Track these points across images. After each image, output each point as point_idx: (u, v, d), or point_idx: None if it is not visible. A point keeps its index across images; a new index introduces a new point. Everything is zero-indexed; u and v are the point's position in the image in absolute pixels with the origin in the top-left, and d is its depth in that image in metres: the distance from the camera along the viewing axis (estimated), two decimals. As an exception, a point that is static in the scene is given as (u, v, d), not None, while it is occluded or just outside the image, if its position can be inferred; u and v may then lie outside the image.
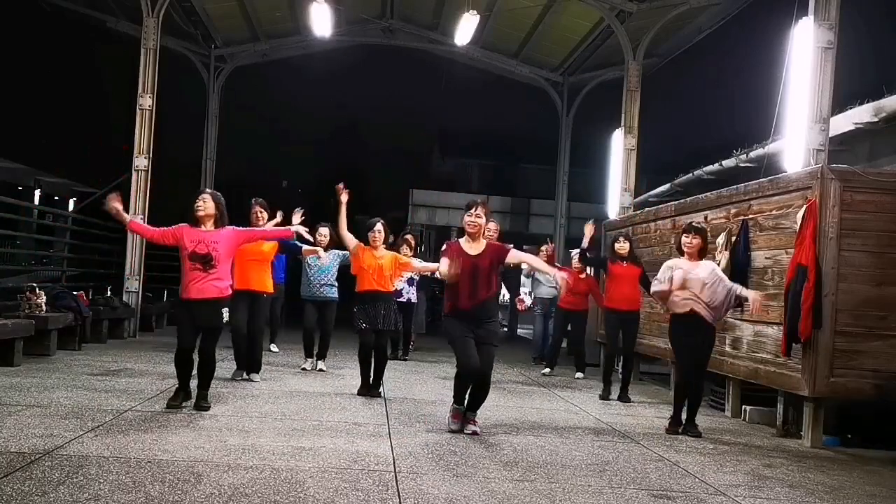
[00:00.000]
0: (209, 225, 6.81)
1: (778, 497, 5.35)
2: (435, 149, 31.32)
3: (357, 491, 4.63)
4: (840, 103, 9.64)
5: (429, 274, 10.10)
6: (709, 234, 8.03)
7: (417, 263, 9.34)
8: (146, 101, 13.24)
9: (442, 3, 18.02)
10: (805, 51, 8.25)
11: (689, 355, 7.42)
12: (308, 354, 10.20)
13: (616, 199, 14.86)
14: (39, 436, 5.42)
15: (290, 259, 11.03)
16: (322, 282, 9.91)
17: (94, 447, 5.22)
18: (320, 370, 9.97)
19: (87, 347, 10.84)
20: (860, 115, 9.81)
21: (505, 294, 19.83)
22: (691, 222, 7.88)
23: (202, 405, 6.83)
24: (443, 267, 6.57)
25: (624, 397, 9.43)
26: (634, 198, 15.07)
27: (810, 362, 7.28)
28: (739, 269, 8.59)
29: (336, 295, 10.01)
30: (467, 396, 6.71)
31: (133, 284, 13.15)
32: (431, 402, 8.28)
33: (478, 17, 15.69)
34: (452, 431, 6.60)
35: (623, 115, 14.71)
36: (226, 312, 6.95)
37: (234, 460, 5.12)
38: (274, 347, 11.84)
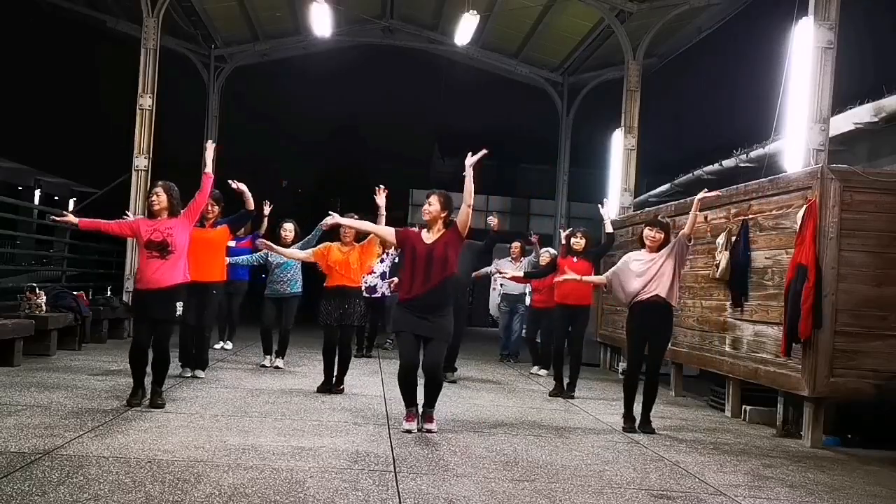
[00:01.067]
0: (164, 216, 6.90)
1: (778, 497, 5.35)
2: (435, 149, 31.29)
3: (357, 491, 4.63)
4: (840, 103, 9.65)
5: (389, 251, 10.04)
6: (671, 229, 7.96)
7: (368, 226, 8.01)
8: (146, 101, 13.24)
9: (442, 3, 18.02)
10: (805, 51, 8.25)
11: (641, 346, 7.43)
12: (267, 352, 10.17)
13: (616, 199, 14.86)
14: (39, 436, 5.42)
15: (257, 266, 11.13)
16: (284, 278, 9.90)
17: (94, 447, 5.21)
18: (276, 367, 9.95)
19: (87, 347, 10.85)
20: (860, 115, 9.82)
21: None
22: (656, 215, 7.83)
23: (157, 402, 6.79)
24: (384, 230, 6.89)
25: (569, 394, 9.34)
26: (634, 198, 15.07)
27: (810, 362, 7.28)
28: (739, 269, 8.59)
29: (299, 290, 9.99)
30: (421, 394, 6.62)
31: (133, 284, 13.12)
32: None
33: (478, 17, 15.70)
34: (408, 432, 6.45)
35: (623, 115, 14.71)
36: (180, 307, 6.87)
37: (234, 460, 5.12)
38: (228, 345, 11.79)
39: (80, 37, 20.30)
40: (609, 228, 9.78)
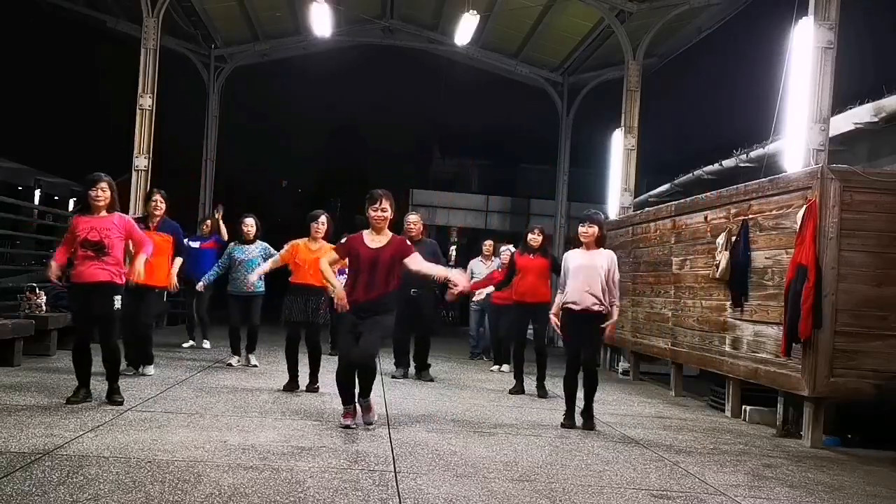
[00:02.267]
0: (103, 212, 6.76)
1: (778, 497, 5.35)
2: (435, 149, 31.32)
3: (357, 491, 4.63)
4: (840, 103, 9.64)
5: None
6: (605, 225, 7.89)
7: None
8: (146, 101, 13.23)
9: (442, 3, 18.01)
10: (805, 51, 8.25)
11: (576, 346, 7.36)
12: (235, 351, 10.13)
13: (616, 199, 14.85)
14: (39, 436, 5.41)
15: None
16: (245, 275, 9.73)
17: (94, 447, 5.21)
18: (253, 365, 9.92)
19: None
20: (860, 115, 9.82)
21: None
22: (590, 212, 7.70)
23: (116, 399, 6.71)
24: (325, 259, 6.76)
25: (542, 392, 9.25)
26: (634, 198, 15.07)
27: (810, 362, 7.28)
28: (739, 269, 8.59)
29: (262, 289, 9.94)
30: (357, 385, 6.51)
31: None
32: (431, 402, 8.29)
33: (478, 17, 15.69)
34: (347, 427, 6.38)
35: (623, 115, 14.70)
36: (118, 300, 6.76)
37: (234, 460, 5.12)
38: (206, 344, 11.80)
39: (80, 37, 20.33)
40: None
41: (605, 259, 7.29)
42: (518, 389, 9.38)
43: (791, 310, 7.39)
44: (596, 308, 7.23)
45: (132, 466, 4.79)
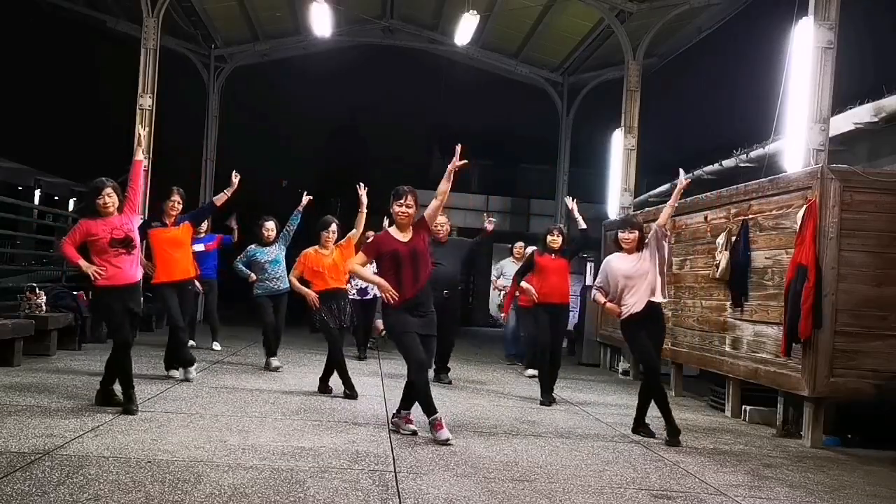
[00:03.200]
0: (112, 214, 6.69)
1: (778, 497, 5.35)
2: (435, 149, 31.30)
3: (357, 491, 4.63)
4: (840, 103, 9.64)
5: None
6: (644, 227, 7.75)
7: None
8: (146, 101, 13.23)
9: (442, 3, 18.02)
10: (805, 51, 8.25)
11: (648, 346, 7.14)
12: (272, 353, 9.95)
13: (616, 199, 14.86)
14: (39, 436, 5.42)
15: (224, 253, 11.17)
16: (275, 275, 9.79)
17: (94, 447, 5.21)
18: (276, 368, 9.79)
19: (87, 347, 10.84)
20: (860, 115, 9.82)
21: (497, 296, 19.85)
22: (626, 216, 7.65)
23: (132, 409, 6.45)
24: (355, 260, 6.65)
25: (548, 399, 8.78)
26: (634, 198, 15.07)
27: (810, 362, 7.28)
28: (739, 269, 8.59)
29: (288, 286, 9.68)
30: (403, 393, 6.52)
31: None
32: (431, 402, 8.28)
33: (478, 17, 15.70)
34: (412, 434, 6.34)
35: (623, 115, 14.71)
36: (142, 301, 6.82)
37: (234, 460, 5.12)
38: (216, 346, 11.76)
39: (80, 37, 20.31)
40: (582, 224, 9.23)
41: (648, 260, 7.11)
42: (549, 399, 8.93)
43: (791, 310, 7.39)
44: (656, 301, 7.06)
45: (132, 466, 4.79)
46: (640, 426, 7.26)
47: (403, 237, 6.49)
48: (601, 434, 7.17)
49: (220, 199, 8.74)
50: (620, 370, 12.60)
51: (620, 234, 7.29)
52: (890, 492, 5.78)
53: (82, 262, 6.62)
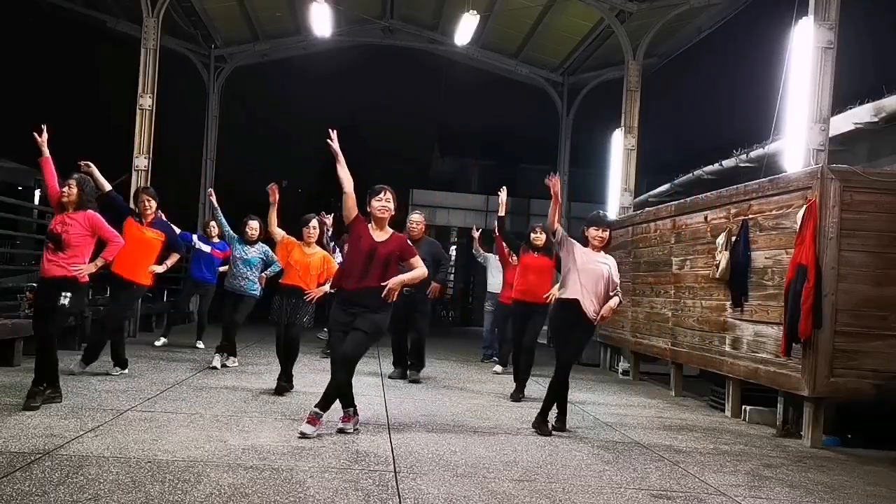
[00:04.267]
0: (71, 209, 6.82)
1: (778, 497, 5.35)
2: (435, 149, 31.32)
3: (357, 491, 4.63)
4: (840, 103, 9.64)
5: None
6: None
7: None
8: (146, 101, 13.24)
9: (442, 3, 18.02)
10: (805, 51, 8.25)
11: (566, 345, 7.11)
12: (231, 353, 9.88)
13: (616, 199, 14.86)
14: (39, 436, 5.42)
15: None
16: (244, 275, 9.67)
17: (94, 447, 5.21)
18: (223, 366, 9.68)
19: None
20: (860, 115, 9.82)
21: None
22: (598, 213, 7.58)
23: (54, 397, 6.63)
24: (351, 203, 6.46)
25: (517, 396, 8.88)
26: (634, 198, 15.07)
27: (810, 362, 7.28)
28: (739, 269, 8.59)
29: (256, 291, 9.72)
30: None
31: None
32: (431, 402, 8.28)
33: (478, 17, 15.70)
34: (305, 436, 6.01)
35: (623, 115, 14.71)
36: (65, 298, 6.67)
37: (234, 460, 5.12)
38: (200, 344, 11.75)
39: (80, 37, 20.30)
40: (500, 212, 9.39)
41: (609, 265, 7.08)
42: (520, 396, 9.01)
43: (791, 310, 7.39)
44: (591, 314, 6.98)
45: (132, 466, 4.79)
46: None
47: (376, 235, 6.42)
48: (601, 434, 7.17)
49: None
50: (620, 370, 12.60)
51: (594, 231, 7.13)
52: (890, 492, 5.78)
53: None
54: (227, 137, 20.80)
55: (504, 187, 9.38)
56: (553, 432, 6.98)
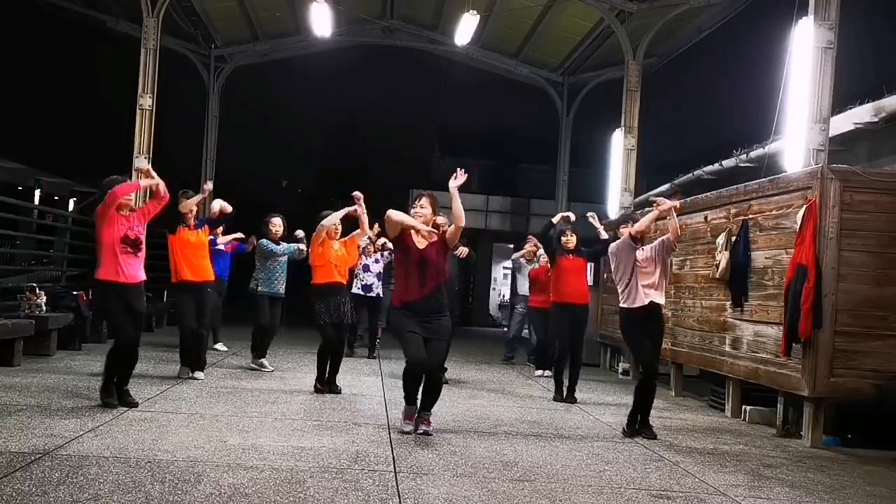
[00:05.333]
0: (126, 211, 6.84)
1: (778, 497, 5.35)
2: (435, 149, 31.32)
3: (357, 491, 4.63)
4: (840, 103, 9.64)
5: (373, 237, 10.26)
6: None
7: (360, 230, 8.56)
8: (146, 101, 13.24)
9: (442, 3, 18.01)
10: (805, 51, 8.25)
11: (644, 347, 7.34)
12: (262, 354, 9.89)
13: (616, 199, 14.86)
14: (39, 436, 5.42)
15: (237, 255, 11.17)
16: (280, 277, 9.72)
17: (94, 447, 5.21)
18: (272, 370, 9.71)
19: (87, 347, 10.84)
20: (860, 115, 9.81)
21: (505, 294, 19.89)
22: (626, 212, 7.91)
23: (130, 400, 6.72)
24: (396, 213, 6.52)
25: (570, 398, 9.01)
26: (634, 198, 15.07)
27: (810, 362, 7.28)
28: (739, 269, 8.59)
29: (283, 290, 9.82)
30: (419, 396, 6.50)
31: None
32: (431, 402, 8.28)
33: (478, 17, 15.69)
34: (405, 433, 6.38)
35: (623, 115, 14.70)
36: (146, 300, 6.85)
37: (234, 460, 5.12)
38: (220, 346, 11.72)
39: (80, 37, 20.31)
40: (604, 235, 9.47)
41: (646, 246, 7.43)
42: (561, 395, 9.11)
43: (791, 310, 7.39)
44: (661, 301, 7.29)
45: (132, 466, 4.79)
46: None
47: (419, 241, 6.55)
48: (601, 434, 7.17)
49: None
50: (620, 370, 12.59)
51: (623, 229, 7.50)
52: (890, 492, 5.78)
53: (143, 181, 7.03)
54: (227, 137, 20.80)
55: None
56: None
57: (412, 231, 6.56)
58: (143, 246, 6.83)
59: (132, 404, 6.68)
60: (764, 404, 8.39)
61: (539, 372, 11.52)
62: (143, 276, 6.83)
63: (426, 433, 6.41)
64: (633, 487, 5.25)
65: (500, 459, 5.76)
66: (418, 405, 6.54)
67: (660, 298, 7.27)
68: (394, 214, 6.53)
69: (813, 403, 7.40)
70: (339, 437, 6.13)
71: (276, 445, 5.63)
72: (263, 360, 9.86)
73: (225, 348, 11.71)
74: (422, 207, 6.62)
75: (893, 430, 7.33)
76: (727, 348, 8.83)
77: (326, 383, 8.36)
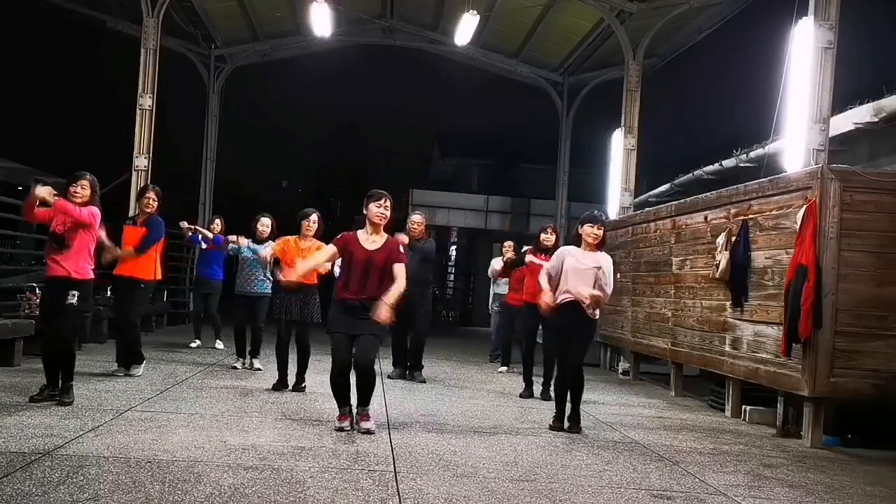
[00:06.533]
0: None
1: (778, 497, 5.35)
2: (435, 149, 31.32)
3: (357, 491, 4.63)
4: (840, 103, 9.64)
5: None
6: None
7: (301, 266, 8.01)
8: (146, 101, 13.23)
9: (442, 3, 18.02)
10: (805, 51, 8.25)
11: (563, 347, 7.21)
12: (240, 354, 9.94)
13: (616, 199, 14.85)
14: (39, 436, 5.41)
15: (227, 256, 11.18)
16: (255, 276, 9.66)
17: (94, 447, 5.21)
18: (257, 369, 9.69)
19: (87, 347, 10.84)
20: (860, 115, 9.81)
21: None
22: (593, 212, 7.54)
23: (65, 400, 6.60)
24: (319, 254, 6.71)
25: (546, 395, 8.94)
26: (634, 198, 15.07)
27: (810, 362, 7.28)
28: (739, 269, 8.59)
29: (268, 289, 9.62)
30: (353, 392, 6.43)
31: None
32: (431, 402, 8.28)
33: (478, 17, 15.69)
34: (341, 430, 6.26)
35: (623, 115, 14.70)
36: (72, 296, 6.67)
37: (234, 460, 5.12)
38: (220, 344, 11.82)
39: (80, 37, 20.32)
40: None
41: (603, 262, 7.10)
42: (528, 393, 9.16)
43: (791, 310, 7.39)
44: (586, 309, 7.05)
45: (132, 466, 4.79)
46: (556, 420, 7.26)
47: (368, 243, 6.45)
48: (601, 434, 7.17)
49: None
50: (620, 370, 12.60)
51: (588, 228, 7.12)
52: (890, 492, 5.78)
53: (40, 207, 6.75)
54: (227, 137, 20.81)
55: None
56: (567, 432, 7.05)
57: (358, 234, 6.50)
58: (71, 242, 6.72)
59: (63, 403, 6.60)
60: (764, 404, 8.39)
61: (503, 368, 11.53)
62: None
63: (368, 431, 6.28)
64: (633, 487, 5.25)
65: (500, 459, 5.76)
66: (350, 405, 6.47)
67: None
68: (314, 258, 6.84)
69: (813, 403, 7.40)
70: (338, 437, 6.13)
71: (276, 445, 5.63)
72: (236, 363, 9.90)
73: (221, 346, 11.76)
74: (385, 209, 6.49)
75: (893, 430, 7.32)
76: (727, 348, 8.83)
77: (284, 382, 8.36)
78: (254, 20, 18.45)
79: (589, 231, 7.13)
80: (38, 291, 9.88)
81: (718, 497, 5.19)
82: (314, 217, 8.42)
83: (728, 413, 8.83)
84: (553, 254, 8.32)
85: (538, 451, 6.19)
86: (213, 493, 4.35)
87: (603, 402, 9.35)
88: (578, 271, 7.05)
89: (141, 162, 13.21)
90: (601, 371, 13.13)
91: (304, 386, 8.37)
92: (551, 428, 7.14)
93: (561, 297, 7.12)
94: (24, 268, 14.61)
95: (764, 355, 8.05)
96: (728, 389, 8.89)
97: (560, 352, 7.33)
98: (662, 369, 11.69)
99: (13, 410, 6.25)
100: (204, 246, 11.79)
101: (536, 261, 9.19)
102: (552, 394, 8.10)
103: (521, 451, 6.10)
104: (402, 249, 6.55)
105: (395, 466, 5.29)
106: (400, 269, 6.43)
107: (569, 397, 7.23)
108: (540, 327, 9.31)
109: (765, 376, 8.00)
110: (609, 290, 7.13)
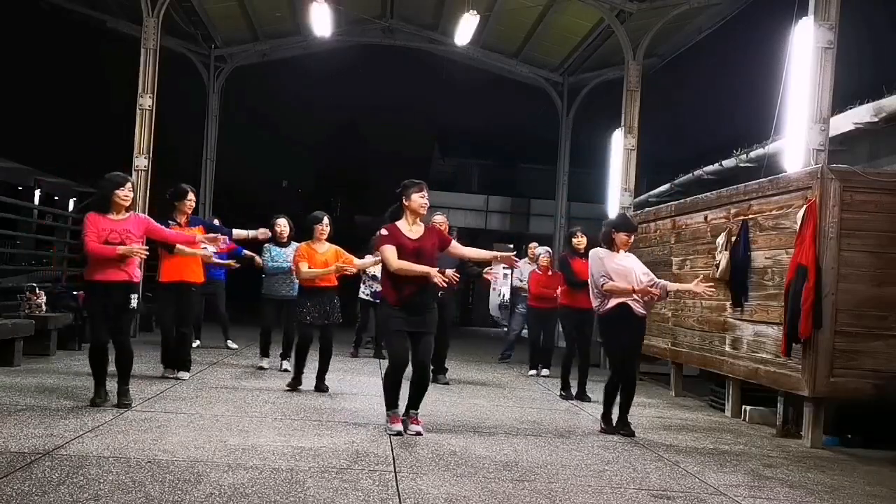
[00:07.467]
0: (122, 213, 6.71)
1: (778, 497, 5.35)
2: (435, 149, 31.33)
3: (357, 491, 4.63)
4: (840, 103, 9.64)
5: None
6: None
7: (359, 262, 8.52)
8: (146, 101, 13.23)
9: (442, 3, 18.01)
10: (805, 51, 8.25)
11: (620, 350, 7.27)
12: (264, 353, 9.96)
13: (616, 199, 14.85)
14: (39, 436, 5.41)
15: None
16: (284, 280, 9.68)
17: (94, 447, 5.21)
18: (285, 370, 9.66)
19: (87, 347, 10.82)
20: (860, 115, 9.81)
21: (505, 294, 19.87)
22: (630, 220, 7.87)
23: (124, 402, 6.66)
24: (390, 256, 6.23)
25: (583, 396, 9.14)
26: (634, 198, 15.07)
27: (810, 362, 7.28)
28: (739, 269, 8.59)
29: (295, 292, 9.53)
30: (409, 393, 6.47)
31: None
32: (431, 402, 8.27)
33: (478, 17, 15.68)
34: (396, 434, 6.25)
35: (623, 115, 14.70)
36: (134, 299, 6.76)
37: (234, 460, 5.12)
38: (232, 343, 11.89)
39: (81, 37, 20.33)
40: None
41: (636, 261, 7.35)
42: (569, 395, 9.25)
43: (791, 310, 7.39)
44: (638, 310, 7.19)
45: (132, 466, 4.79)
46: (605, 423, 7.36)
47: (412, 233, 6.41)
48: (601, 434, 7.16)
49: (240, 234, 9.26)
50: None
51: (624, 236, 7.26)
52: (890, 492, 5.78)
53: (121, 248, 6.56)
54: (227, 137, 20.81)
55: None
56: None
57: (398, 226, 6.41)
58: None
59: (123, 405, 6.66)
60: (764, 404, 8.40)
61: (533, 371, 11.54)
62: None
63: (418, 433, 6.36)
64: (633, 487, 5.25)
65: (500, 459, 5.76)
66: (403, 407, 6.50)
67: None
68: (402, 266, 6.26)
69: (813, 403, 7.40)
70: (338, 437, 6.13)
71: (276, 445, 5.63)
72: (262, 362, 9.94)
73: (235, 346, 11.86)
74: (427, 199, 6.43)
75: (893, 430, 7.33)
76: (727, 348, 8.83)
77: (299, 382, 8.37)
78: (254, 20, 18.44)
79: (626, 240, 7.28)
80: (38, 291, 9.91)
81: (718, 497, 5.19)
82: (326, 220, 8.41)
83: (728, 413, 8.83)
84: (586, 256, 8.35)
85: (538, 451, 6.19)
86: (213, 493, 4.35)
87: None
88: (623, 272, 7.16)
89: (141, 162, 13.21)
90: (601, 371, 13.10)
91: (327, 386, 8.38)
92: (603, 431, 7.18)
93: (612, 302, 7.16)
94: (24, 268, 14.63)
95: (764, 355, 8.05)
96: (728, 389, 8.90)
97: (620, 357, 7.28)
98: (662, 369, 11.69)
99: (13, 410, 6.25)
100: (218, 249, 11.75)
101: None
102: (590, 396, 8.97)
103: (521, 451, 6.10)
104: (447, 234, 6.62)
105: (395, 466, 5.29)
106: (457, 245, 6.59)
107: (621, 400, 7.27)
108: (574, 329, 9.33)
109: (765, 376, 8.00)
110: (657, 283, 7.27)
